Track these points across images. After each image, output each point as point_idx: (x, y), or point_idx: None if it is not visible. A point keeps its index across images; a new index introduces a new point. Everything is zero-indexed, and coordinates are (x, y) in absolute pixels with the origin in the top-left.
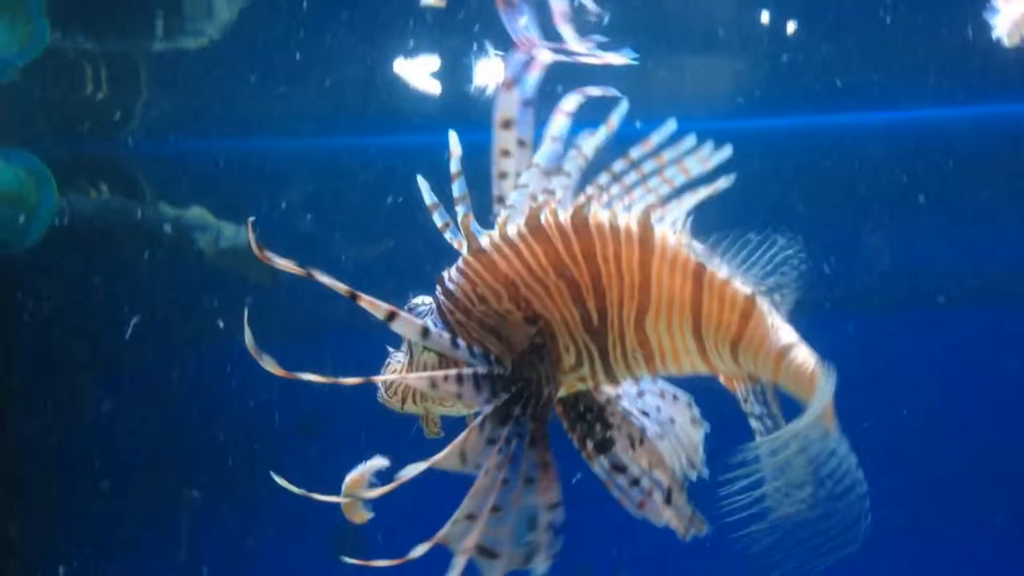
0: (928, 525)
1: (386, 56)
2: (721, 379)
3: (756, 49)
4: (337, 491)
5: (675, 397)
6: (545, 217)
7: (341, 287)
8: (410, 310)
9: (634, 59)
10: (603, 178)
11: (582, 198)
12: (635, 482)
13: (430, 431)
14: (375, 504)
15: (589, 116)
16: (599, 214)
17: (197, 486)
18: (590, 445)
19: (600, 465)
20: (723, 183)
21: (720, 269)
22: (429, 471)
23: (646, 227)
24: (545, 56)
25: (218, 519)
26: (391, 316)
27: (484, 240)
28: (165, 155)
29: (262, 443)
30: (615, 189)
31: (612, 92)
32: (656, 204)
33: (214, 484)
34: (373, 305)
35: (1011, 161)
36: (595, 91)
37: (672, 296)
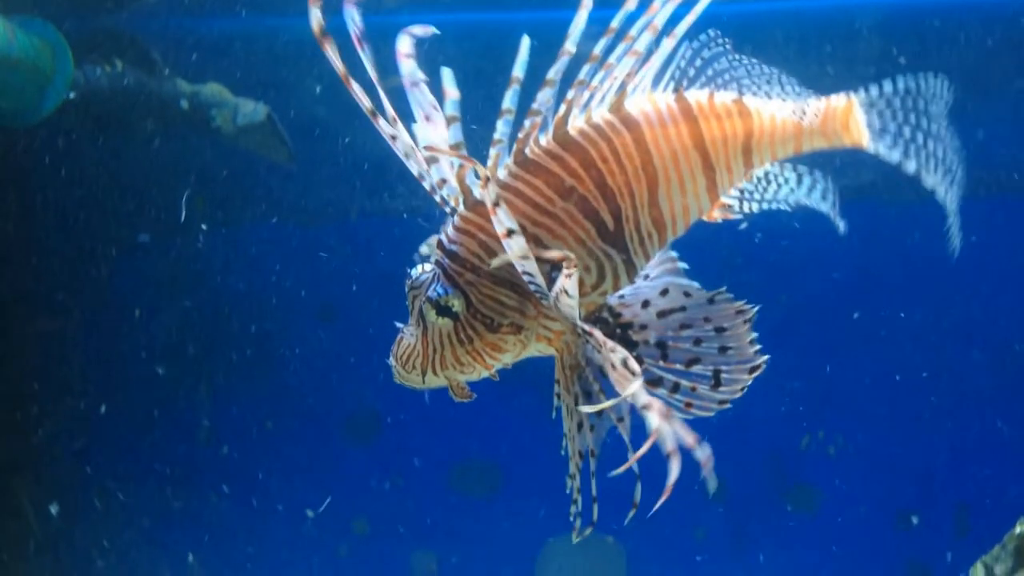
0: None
1: None
2: (706, 216)
3: None
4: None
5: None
6: (530, 148)
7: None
8: (412, 281)
9: None
10: (584, 71)
11: (562, 109)
12: (675, 388)
13: (460, 396)
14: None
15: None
16: (576, 123)
17: (215, 369)
18: None
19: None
20: None
21: (700, 93)
22: None
23: (622, 108)
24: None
25: (237, 401)
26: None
27: (477, 191)
28: (182, 30)
29: (282, 327)
30: (598, 78)
31: (431, 30)
32: (633, 73)
33: (232, 367)
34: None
35: None
36: (417, 30)
37: (675, 151)
